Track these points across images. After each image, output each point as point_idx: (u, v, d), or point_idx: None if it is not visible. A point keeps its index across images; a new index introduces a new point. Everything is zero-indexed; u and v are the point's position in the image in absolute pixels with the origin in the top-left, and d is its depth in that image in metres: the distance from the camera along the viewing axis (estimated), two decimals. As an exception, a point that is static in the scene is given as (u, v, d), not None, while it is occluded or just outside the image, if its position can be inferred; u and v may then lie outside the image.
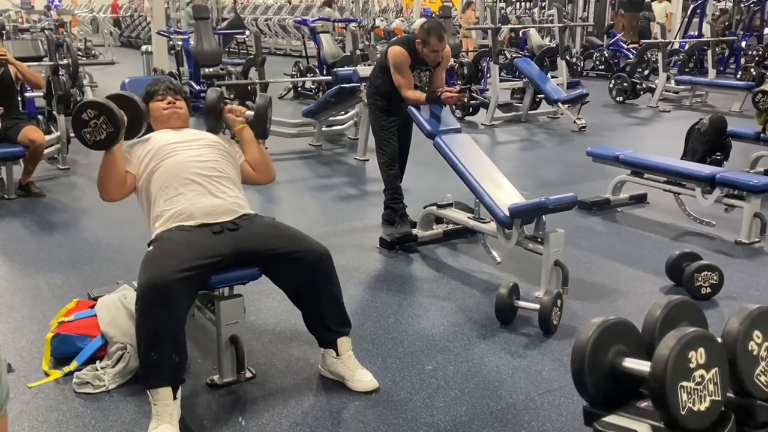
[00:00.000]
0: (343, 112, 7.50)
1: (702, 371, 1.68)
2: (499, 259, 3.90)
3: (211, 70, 8.63)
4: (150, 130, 2.98)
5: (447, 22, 10.80)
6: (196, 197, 2.67)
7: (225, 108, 2.98)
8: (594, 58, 13.33)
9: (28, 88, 6.02)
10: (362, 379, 2.70)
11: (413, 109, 4.29)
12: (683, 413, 1.64)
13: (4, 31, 9.18)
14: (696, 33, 13.90)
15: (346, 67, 7.10)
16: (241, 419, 2.52)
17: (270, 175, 3.06)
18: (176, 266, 2.39)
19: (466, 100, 4.13)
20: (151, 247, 2.61)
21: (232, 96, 8.01)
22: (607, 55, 13.06)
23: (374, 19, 18.76)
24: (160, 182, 2.71)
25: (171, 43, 10.26)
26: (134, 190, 2.83)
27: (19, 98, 5.67)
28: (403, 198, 4.52)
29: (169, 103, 2.96)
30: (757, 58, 11.14)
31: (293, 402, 2.62)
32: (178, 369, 2.44)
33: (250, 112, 2.97)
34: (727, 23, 14.82)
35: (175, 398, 2.41)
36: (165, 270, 2.38)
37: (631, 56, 12.08)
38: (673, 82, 10.44)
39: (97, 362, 2.78)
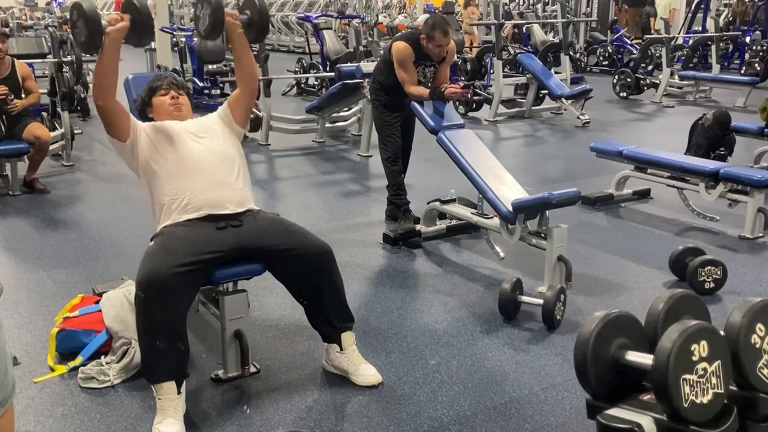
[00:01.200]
0: (346, 109, 7.50)
1: (705, 364, 1.68)
2: (502, 254, 3.91)
3: (214, 66, 8.63)
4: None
5: (450, 18, 10.80)
6: (203, 187, 2.67)
7: (228, 11, 2.80)
8: (597, 54, 13.29)
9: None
10: (366, 373, 2.71)
11: (416, 104, 4.29)
12: (686, 406, 1.64)
13: (8, 29, 9.19)
14: (700, 28, 13.86)
15: (349, 64, 7.11)
16: (246, 407, 2.54)
17: (254, 86, 3.00)
18: (173, 262, 2.40)
19: (469, 96, 4.12)
20: (152, 242, 2.62)
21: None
22: (610, 50, 13.02)
23: (377, 16, 18.74)
24: (166, 169, 2.71)
25: (174, 39, 10.26)
26: (122, 138, 2.73)
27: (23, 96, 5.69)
28: (406, 194, 4.53)
29: (172, 98, 2.95)
30: (761, 53, 11.10)
31: (297, 396, 2.63)
32: (180, 363, 2.46)
33: (244, 17, 2.85)
34: (743, 16, 14.73)
35: (179, 393, 2.43)
36: (161, 265, 2.39)
37: (634, 52, 12.05)
38: (676, 77, 10.42)
39: (102, 357, 2.79)
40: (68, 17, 2.61)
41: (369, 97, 4.61)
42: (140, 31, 2.67)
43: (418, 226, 4.34)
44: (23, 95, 5.50)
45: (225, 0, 2.70)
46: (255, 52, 7.64)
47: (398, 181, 4.53)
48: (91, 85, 9.35)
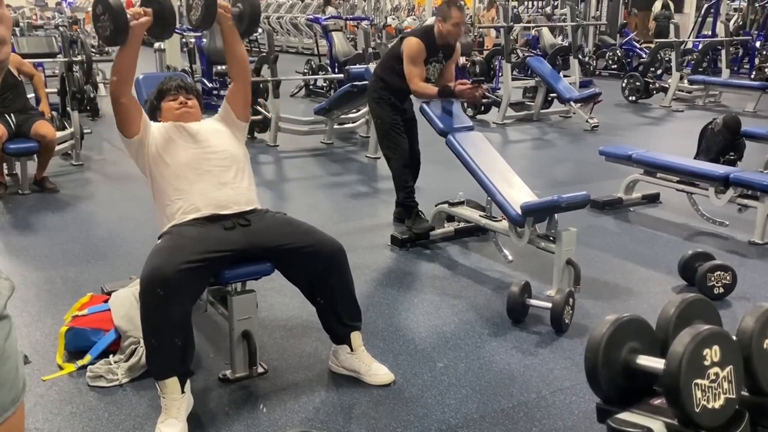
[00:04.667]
0: (354, 110, 7.51)
1: (716, 369, 1.67)
2: (510, 257, 3.90)
3: (223, 67, 8.65)
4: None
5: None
6: (207, 188, 2.68)
7: (221, 2, 2.82)
8: (607, 57, 13.26)
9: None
10: (378, 372, 2.71)
11: (425, 106, 4.28)
12: (697, 411, 1.64)
13: (17, 28, 9.24)
14: (710, 32, 13.82)
15: (357, 65, 7.11)
16: (263, 406, 2.55)
17: (247, 76, 3.02)
18: (179, 259, 2.40)
19: (479, 93, 4.04)
20: (160, 240, 2.62)
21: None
22: (619, 54, 12.99)
23: (386, 18, 18.76)
24: (171, 171, 2.71)
25: (184, 40, 10.28)
26: (131, 134, 2.75)
27: (33, 94, 5.72)
28: (415, 195, 4.50)
29: (180, 103, 2.94)
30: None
31: (305, 397, 2.63)
32: (184, 360, 2.45)
33: (236, 10, 2.87)
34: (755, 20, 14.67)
35: (183, 392, 2.42)
36: (166, 262, 2.39)
37: (644, 55, 12.02)
38: (686, 81, 10.38)
39: (111, 356, 2.80)
40: (92, 10, 2.62)
41: (372, 95, 4.53)
42: (162, 24, 2.69)
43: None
44: (34, 92, 5.55)
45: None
46: (264, 54, 7.67)
47: (409, 184, 4.42)
48: (101, 85, 9.41)
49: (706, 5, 14.09)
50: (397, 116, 4.40)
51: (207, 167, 2.72)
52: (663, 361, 1.71)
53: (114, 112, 2.74)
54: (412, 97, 4.45)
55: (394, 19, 20.78)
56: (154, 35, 2.78)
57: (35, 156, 5.44)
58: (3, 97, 5.27)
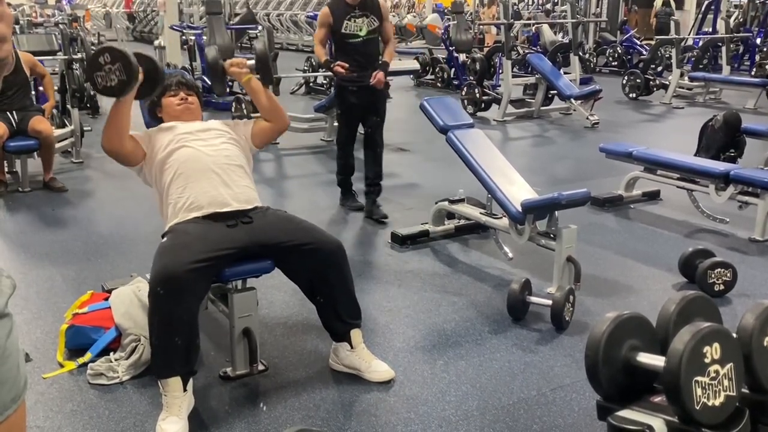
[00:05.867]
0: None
1: (717, 366, 1.67)
2: (511, 254, 3.90)
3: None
4: (160, 121, 3.00)
5: (459, 18, 10.78)
6: (207, 186, 2.68)
7: (226, 63, 2.95)
8: (607, 54, 13.27)
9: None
10: (379, 369, 2.72)
11: (426, 104, 4.28)
12: (697, 408, 1.64)
13: (18, 26, 9.23)
14: (710, 29, 13.81)
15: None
16: (262, 405, 2.55)
17: (283, 121, 3.03)
18: (189, 258, 2.40)
19: (343, 71, 4.46)
20: (164, 239, 2.63)
21: (244, 92, 8.00)
22: (620, 51, 12.99)
23: (386, 15, 18.69)
24: (173, 171, 2.72)
25: (184, 37, 10.28)
26: (136, 163, 2.80)
27: (33, 92, 5.72)
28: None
29: (181, 98, 2.96)
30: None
31: (305, 395, 2.63)
32: (190, 360, 2.46)
33: (252, 62, 2.95)
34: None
35: (185, 390, 2.43)
36: (177, 261, 2.40)
37: (644, 52, 12.01)
38: (686, 78, 10.37)
39: (111, 354, 2.80)
40: (93, 58, 2.56)
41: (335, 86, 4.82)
42: (152, 84, 2.72)
43: (426, 226, 4.33)
44: (40, 88, 5.57)
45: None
46: (271, 52, 7.68)
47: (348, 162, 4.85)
48: (99, 97, 9.39)
49: (706, 2, 14.08)
50: (346, 103, 4.68)
51: (209, 166, 2.73)
52: (663, 358, 1.71)
53: (112, 158, 2.79)
54: (374, 87, 4.57)
55: (394, 16, 20.75)
56: (143, 96, 2.78)
57: (35, 154, 5.45)
58: (8, 94, 5.28)
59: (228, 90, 8.80)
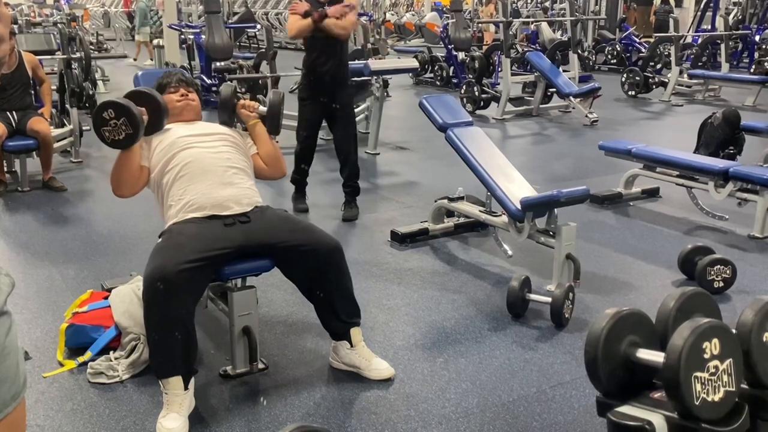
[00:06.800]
0: (353, 106, 7.49)
1: (716, 362, 1.67)
2: (510, 252, 3.90)
3: (222, 63, 8.65)
4: None
5: (458, 16, 10.78)
6: (208, 188, 2.68)
7: (238, 104, 3.00)
8: (606, 52, 13.26)
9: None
10: (379, 367, 2.72)
11: (425, 102, 4.28)
12: (697, 403, 1.64)
13: (16, 25, 9.21)
14: (709, 27, 13.81)
15: (356, 61, 7.10)
16: (263, 399, 2.56)
17: (281, 170, 3.06)
18: (181, 258, 2.40)
19: (347, 11, 4.49)
20: (160, 239, 2.63)
21: (244, 90, 8.01)
22: (619, 48, 12.99)
23: (385, 13, 18.74)
24: (174, 173, 2.73)
25: (182, 36, 10.28)
26: (147, 183, 2.84)
27: (32, 91, 5.71)
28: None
29: (181, 95, 2.97)
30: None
31: (305, 393, 2.63)
32: (188, 359, 2.46)
33: (263, 108, 2.98)
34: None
35: (186, 389, 2.43)
36: (169, 261, 2.40)
37: (643, 50, 12.00)
38: (685, 76, 10.37)
39: (111, 353, 2.80)
40: (97, 113, 2.60)
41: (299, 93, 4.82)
42: (156, 122, 2.77)
43: (426, 224, 4.33)
44: (38, 87, 5.57)
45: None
46: (263, 50, 7.67)
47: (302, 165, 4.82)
48: (100, 82, 9.38)
49: (705, -1, 14.08)
50: (309, 107, 4.70)
51: (207, 166, 2.73)
52: (663, 354, 1.71)
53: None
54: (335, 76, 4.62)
55: (393, 14, 20.76)
56: (149, 132, 2.80)
57: (35, 154, 5.45)
58: (9, 92, 5.28)
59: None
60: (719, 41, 11.21)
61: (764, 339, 1.78)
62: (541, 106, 8.86)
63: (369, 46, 8.19)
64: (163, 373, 2.43)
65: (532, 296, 3.28)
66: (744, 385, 1.79)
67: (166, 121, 2.87)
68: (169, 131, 2.86)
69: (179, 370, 2.42)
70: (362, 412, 2.53)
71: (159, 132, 2.87)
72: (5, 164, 5.53)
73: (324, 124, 4.95)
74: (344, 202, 4.81)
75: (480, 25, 14.41)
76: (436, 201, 4.38)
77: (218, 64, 8.72)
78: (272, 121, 2.97)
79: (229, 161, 2.80)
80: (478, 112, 8.70)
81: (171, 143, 2.80)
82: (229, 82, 3.05)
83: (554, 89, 8.62)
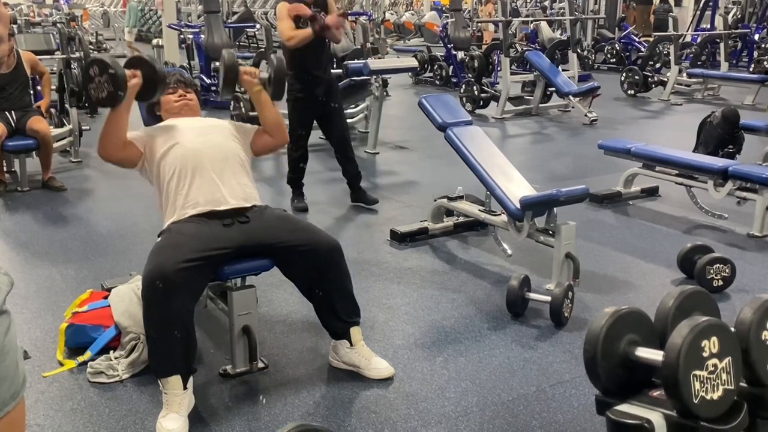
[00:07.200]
0: (353, 106, 7.50)
1: (715, 360, 1.68)
2: (509, 251, 3.90)
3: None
4: (159, 120, 3.01)
5: (458, 15, 10.78)
6: (206, 184, 2.68)
7: (240, 70, 2.94)
8: (605, 51, 13.26)
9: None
10: (378, 366, 2.72)
11: (425, 101, 4.28)
12: (696, 402, 1.64)
13: (15, 25, 9.22)
14: (708, 25, 13.82)
15: (356, 61, 7.11)
16: (262, 397, 2.56)
17: (284, 137, 3.06)
18: (179, 257, 2.40)
19: (344, 21, 4.66)
20: (159, 238, 2.63)
21: (243, 90, 8.00)
22: (618, 48, 12.99)
23: (384, 13, 18.74)
24: (172, 168, 2.72)
25: (182, 36, 10.28)
26: (135, 165, 2.80)
27: (31, 91, 5.72)
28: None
29: (180, 96, 2.97)
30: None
31: (305, 392, 2.63)
32: (187, 358, 2.46)
33: (265, 75, 2.95)
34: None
35: (185, 388, 2.43)
36: (167, 261, 2.40)
37: (642, 49, 12.01)
38: (685, 75, 10.38)
39: (111, 352, 2.80)
40: (84, 70, 2.63)
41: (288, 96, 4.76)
42: (152, 87, 2.74)
43: (425, 224, 4.33)
44: (38, 87, 5.57)
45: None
46: (262, 50, 7.67)
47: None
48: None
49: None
50: (304, 111, 4.72)
51: (206, 163, 2.73)
52: (662, 352, 1.71)
53: (111, 163, 2.81)
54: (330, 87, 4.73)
55: (392, 14, 20.76)
56: (140, 97, 2.78)
57: (34, 154, 5.45)
58: (8, 91, 5.28)
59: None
60: (718, 40, 11.21)
61: (763, 337, 1.78)
62: (540, 105, 8.87)
63: (368, 45, 8.18)
64: (162, 373, 2.43)
65: (532, 295, 3.28)
66: (743, 384, 1.79)
67: (161, 92, 2.86)
68: (168, 125, 2.86)
69: (178, 370, 2.42)
70: (362, 411, 2.53)
71: (157, 126, 2.87)
72: (5, 164, 5.52)
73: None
74: (356, 192, 4.93)
75: (479, 24, 14.41)
76: (435, 200, 4.38)
77: (217, 63, 8.72)
78: (277, 86, 2.93)
79: (227, 156, 2.79)
80: (477, 111, 8.70)
81: (171, 136, 2.79)
82: (230, 49, 2.97)
83: (554, 88, 8.62)
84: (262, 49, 9.28)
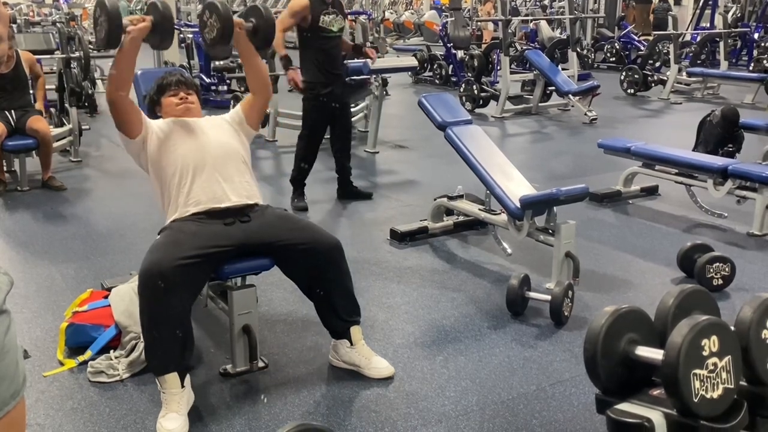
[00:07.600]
0: (353, 105, 7.49)
1: (715, 359, 1.68)
2: (509, 250, 3.90)
3: (221, 62, 8.65)
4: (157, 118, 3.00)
5: (457, 14, 10.78)
6: (207, 182, 2.68)
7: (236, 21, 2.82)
8: (605, 50, 13.25)
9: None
10: (378, 366, 2.72)
11: (424, 100, 4.28)
12: (696, 401, 1.64)
13: (15, 25, 9.22)
14: (708, 24, 13.80)
15: (356, 60, 7.10)
16: (263, 396, 2.57)
17: (268, 92, 3.04)
18: (177, 254, 2.40)
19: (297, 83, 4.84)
20: (159, 236, 2.63)
21: (243, 89, 8.01)
22: (618, 47, 12.98)
23: (384, 12, 18.72)
24: (173, 166, 2.72)
25: (181, 36, 10.27)
26: (131, 135, 2.74)
27: (31, 91, 5.72)
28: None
29: (181, 98, 2.95)
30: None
31: (305, 391, 2.63)
32: (183, 356, 2.46)
33: (248, 24, 2.85)
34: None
35: (183, 386, 2.43)
36: (164, 258, 2.40)
37: (642, 48, 12.00)
38: (684, 74, 10.38)
39: (111, 352, 2.80)
40: (95, 16, 2.67)
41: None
42: (161, 33, 2.72)
43: (425, 223, 4.33)
44: (35, 88, 5.58)
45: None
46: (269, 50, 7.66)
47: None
48: (99, 82, 9.38)
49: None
50: (318, 106, 4.79)
51: (208, 161, 2.73)
52: (662, 351, 1.72)
53: (112, 115, 2.73)
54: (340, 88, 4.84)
55: (392, 13, 20.75)
56: (152, 44, 2.81)
57: (34, 154, 5.45)
58: (8, 90, 5.28)
59: (227, 88, 8.82)
60: (718, 39, 11.21)
61: (763, 336, 1.79)
62: (540, 104, 8.86)
63: (368, 44, 8.18)
64: (159, 370, 2.43)
65: (532, 294, 3.28)
66: (743, 382, 1.79)
67: (170, 42, 2.83)
68: (170, 122, 2.85)
69: (175, 367, 2.42)
70: (362, 410, 2.53)
71: (161, 121, 2.86)
72: (5, 163, 5.53)
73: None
74: (348, 186, 5.08)
75: (479, 23, 14.40)
76: (435, 199, 4.38)
77: (217, 63, 8.72)
78: (265, 34, 2.85)
79: (228, 153, 2.79)
80: (477, 110, 8.70)
81: (171, 130, 2.78)
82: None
83: (553, 87, 8.62)
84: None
